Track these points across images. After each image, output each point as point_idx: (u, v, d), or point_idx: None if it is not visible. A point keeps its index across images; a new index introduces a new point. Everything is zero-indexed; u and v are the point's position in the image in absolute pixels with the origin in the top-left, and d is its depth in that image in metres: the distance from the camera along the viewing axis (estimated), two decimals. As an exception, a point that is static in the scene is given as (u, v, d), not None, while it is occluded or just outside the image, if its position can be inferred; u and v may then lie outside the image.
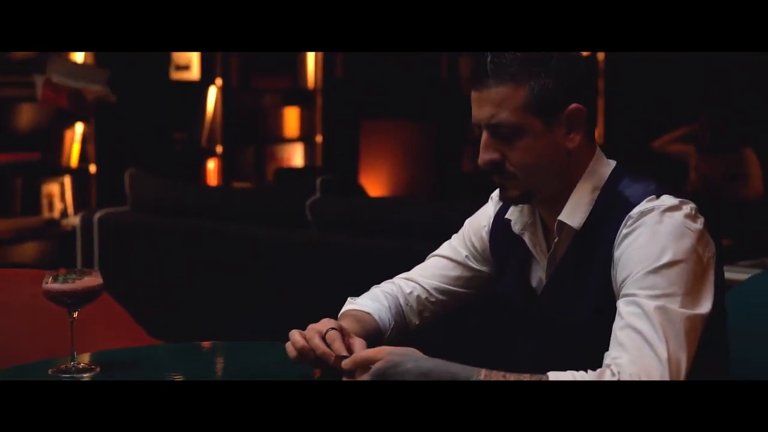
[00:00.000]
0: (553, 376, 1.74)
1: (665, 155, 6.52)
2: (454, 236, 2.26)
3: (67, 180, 6.00)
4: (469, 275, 2.21)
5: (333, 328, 1.95)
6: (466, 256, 2.21)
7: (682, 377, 1.72)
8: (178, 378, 2.07)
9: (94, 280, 2.04)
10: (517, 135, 1.92)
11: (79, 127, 5.95)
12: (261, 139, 7.39)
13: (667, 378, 1.71)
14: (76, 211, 5.89)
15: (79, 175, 6.03)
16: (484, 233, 2.18)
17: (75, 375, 1.99)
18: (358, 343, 1.94)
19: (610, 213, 1.92)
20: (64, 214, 5.92)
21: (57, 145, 5.94)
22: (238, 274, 4.29)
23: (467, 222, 2.24)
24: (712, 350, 1.91)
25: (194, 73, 6.66)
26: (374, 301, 2.18)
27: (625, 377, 1.69)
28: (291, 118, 7.52)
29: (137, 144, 5.43)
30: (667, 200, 1.87)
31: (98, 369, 2.02)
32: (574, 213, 1.96)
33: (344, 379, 1.88)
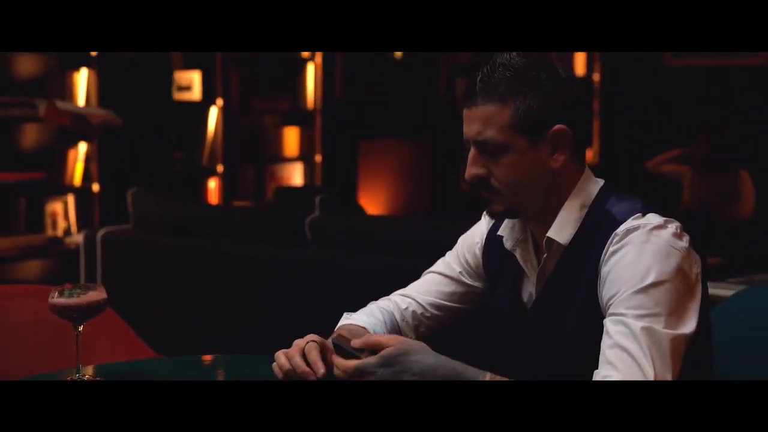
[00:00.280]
0: None
1: (659, 175, 6.57)
2: (449, 253, 2.30)
3: (71, 199, 6.02)
4: (463, 291, 2.25)
5: (313, 341, 2.00)
6: (460, 272, 2.25)
7: None
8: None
9: (98, 294, 2.09)
10: (502, 152, 1.97)
11: (82, 147, 5.96)
12: (261, 159, 7.40)
13: None
14: (79, 229, 5.91)
15: (82, 193, 6.04)
16: (477, 249, 2.22)
17: (80, 387, 2.00)
18: (340, 359, 1.97)
19: (597, 230, 1.96)
20: (67, 232, 5.94)
21: (60, 164, 5.96)
22: (238, 290, 4.30)
23: (461, 239, 2.28)
24: (697, 365, 1.95)
25: (195, 94, 6.68)
26: (369, 316, 2.22)
27: None
28: (291, 137, 7.52)
29: (139, 163, 5.46)
30: (653, 219, 1.91)
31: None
32: (562, 229, 2.00)
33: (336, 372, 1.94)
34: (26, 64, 5.83)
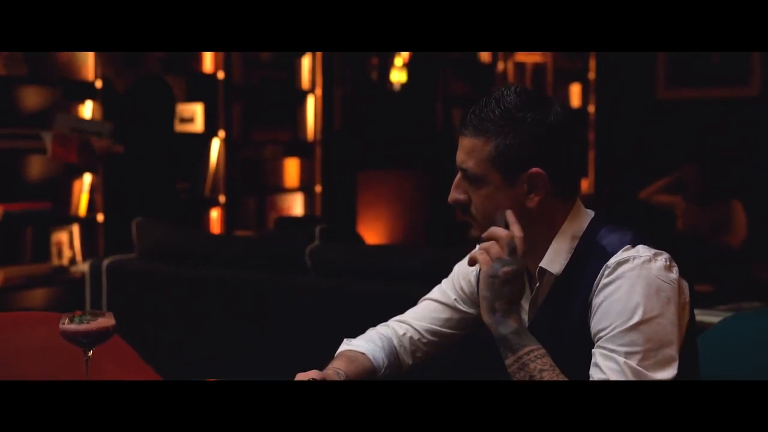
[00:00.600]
0: None
1: (653, 206, 6.61)
2: (444, 281, 2.34)
3: (76, 228, 6.04)
4: (458, 317, 2.30)
5: (313, 378, 2.04)
6: (455, 299, 2.29)
7: None
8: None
9: (107, 321, 2.13)
10: (480, 183, 2.03)
11: (87, 178, 5.99)
12: (262, 189, 7.41)
13: None
14: (84, 258, 5.91)
15: (87, 223, 6.05)
16: (472, 277, 2.26)
17: (89, 410, 2.09)
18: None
19: (588, 261, 2.00)
20: (72, 261, 5.95)
21: (66, 195, 5.99)
22: (240, 317, 4.32)
23: (456, 267, 2.33)
24: None
25: (198, 126, 6.71)
26: (368, 342, 2.27)
27: None
28: (291, 168, 7.54)
29: (143, 194, 5.49)
30: (643, 251, 1.96)
31: None
32: (554, 260, 2.05)
33: None
34: (32, 97, 5.86)
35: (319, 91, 7.59)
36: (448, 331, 2.32)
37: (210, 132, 6.83)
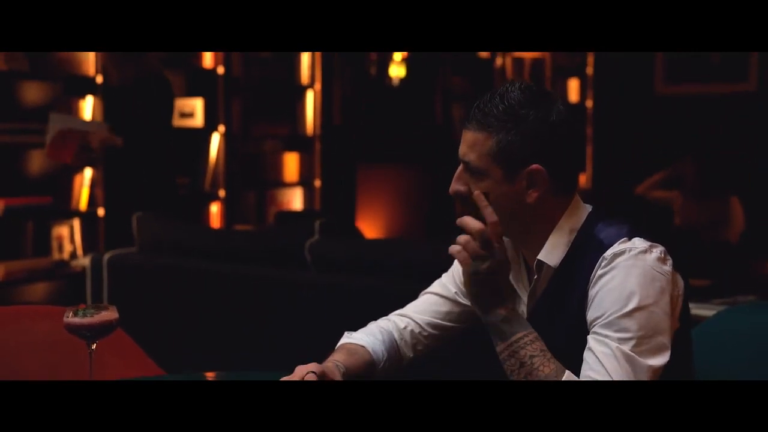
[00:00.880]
0: (568, 376, 1.92)
1: (650, 201, 6.63)
2: (444, 274, 2.37)
3: (77, 223, 6.06)
4: (458, 310, 2.32)
5: (312, 372, 2.05)
6: (456, 292, 2.31)
7: None
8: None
9: (110, 314, 2.16)
10: (480, 176, 2.06)
11: (88, 173, 6.02)
12: (262, 184, 7.43)
13: None
14: (85, 252, 5.94)
15: (87, 218, 6.08)
16: None
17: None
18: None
19: (585, 254, 2.03)
20: (73, 255, 5.97)
21: (67, 189, 6.01)
22: (240, 311, 4.33)
23: (456, 260, 2.36)
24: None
25: (198, 121, 6.72)
26: (369, 335, 2.29)
27: None
28: (291, 163, 7.55)
29: (143, 188, 5.50)
30: (639, 243, 1.99)
31: None
32: (552, 253, 2.08)
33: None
34: (33, 92, 5.88)
35: (318, 85, 7.61)
36: (449, 324, 2.34)
37: (210, 127, 6.84)
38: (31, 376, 2.66)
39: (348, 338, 2.31)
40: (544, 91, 2.11)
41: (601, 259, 2.00)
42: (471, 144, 2.07)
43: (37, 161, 5.92)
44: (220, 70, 6.85)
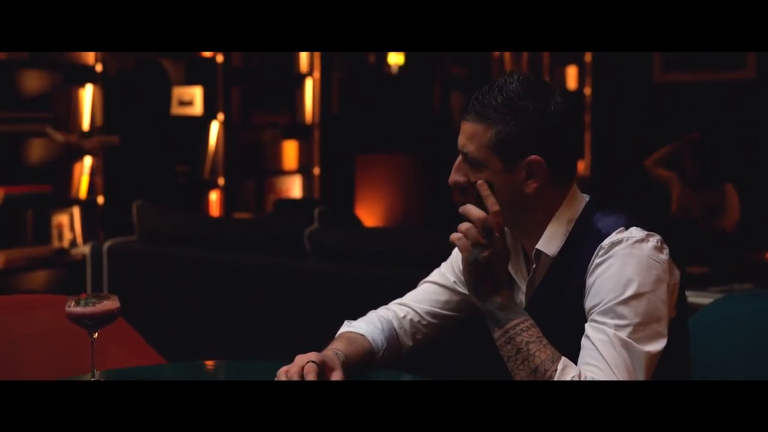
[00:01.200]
0: (564, 362, 1.92)
1: (650, 187, 6.63)
2: (444, 263, 2.38)
3: (76, 211, 6.06)
4: (457, 299, 2.33)
5: (312, 361, 2.05)
6: (454, 281, 2.32)
7: None
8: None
9: (112, 303, 2.15)
10: (480, 167, 2.07)
11: (87, 161, 6.03)
12: (261, 172, 7.43)
13: None
14: (85, 240, 5.95)
15: (87, 206, 6.09)
16: None
17: (96, 391, 2.12)
18: (335, 377, 2.06)
19: (583, 243, 2.05)
20: (73, 243, 5.98)
21: (66, 177, 6.01)
22: (239, 299, 4.34)
23: (455, 250, 2.35)
24: (675, 372, 2.07)
25: (197, 109, 6.73)
26: (368, 324, 2.30)
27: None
28: (290, 151, 7.56)
29: (143, 176, 5.51)
30: (636, 232, 2.00)
31: None
32: (550, 242, 2.09)
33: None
34: (33, 80, 5.89)
35: (317, 74, 7.61)
36: (448, 313, 2.35)
37: (209, 115, 6.85)
38: (32, 366, 2.68)
39: (348, 327, 2.32)
40: (542, 82, 2.12)
41: (598, 248, 2.01)
42: (470, 135, 2.08)
43: (36, 149, 5.93)
44: (219, 58, 6.86)
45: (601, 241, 2.01)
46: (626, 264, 1.97)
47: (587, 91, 9.65)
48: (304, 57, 7.57)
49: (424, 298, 2.37)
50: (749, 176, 7.15)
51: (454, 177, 2.12)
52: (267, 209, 7.38)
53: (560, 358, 1.93)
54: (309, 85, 7.62)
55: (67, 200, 6.03)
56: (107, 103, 5.80)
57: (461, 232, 2.03)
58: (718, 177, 6.34)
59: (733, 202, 6.25)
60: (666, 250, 2.01)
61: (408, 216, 8.43)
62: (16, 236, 5.82)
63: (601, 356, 1.92)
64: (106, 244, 4.75)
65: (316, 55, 7.56)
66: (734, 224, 6.22)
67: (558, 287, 2.09)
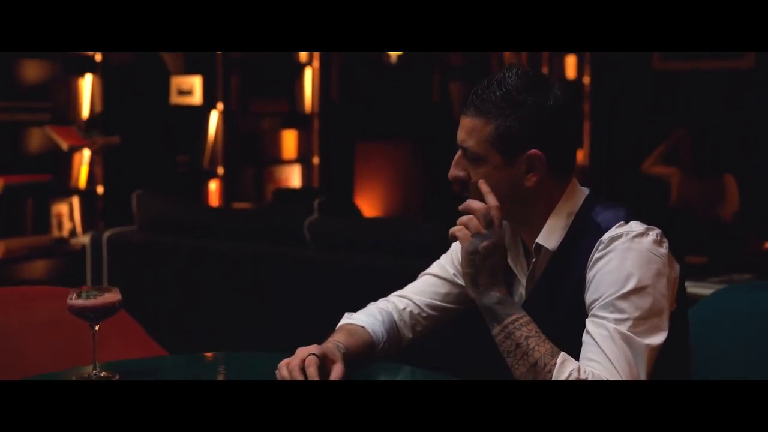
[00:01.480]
0: (563, 356, 1.92)
1: (650, 177, 6.64)
2: (443, 256, 2.38)
3: (76, 200, 6.05)
4: (457, 292, 2.33)
5: (314, 354, 2.06)
6: (454, 273, 2.33)
7: None
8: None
9: (113, 296, 2.16)
10: (479, 162, 2.08)
11: (87, 151, 6.02)
12: (260, 161, 7.42)
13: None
14: (84, 230, 5.95)
15: (87, 195, 6.08)
16: None
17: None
18: (336, 371, 2.07)
19: (583, 237, 2.05)
20: (72, 233, 5.98)
21: (66, 167, 6.00)
22: (239, 289, 4.35)
23: (454, 243, 2.34)
24: (675, 363, 2.07)
25: (196, 98, 6.71)
26: (368, 316, 2.31)
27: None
28: (289, 140, 7.54)
29: (142, 166, 5.51)
30: (635, 226, 2.00)
31: (117, 377, 2.13)
32: (550, 236, 2.10)
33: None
34: (32, 70, 5.87)
35: (316, 63, 7.60)
36: (448, 305, 2.36)
37: (208, 104, 6.84)
38: (33, 357, 2.70)
39: (348, 319, 2.33)
40: (541, 75, 2.13)
41: (598, 242, 2.01)
42: (469, 130, 2.08)
43: (36, 139, 5.92)
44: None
45: (601, 235, 2.02)
46: (626, 258, 1.97)
47: (586, 80, 9.64)
48: (303, 46, 7.54)
49: (424, 290, 2.37)
50: (748, 166, 7.15)
51: (454, 172, 2.13)
52: (266, 198, 7.37)
53: (559, 353, 1.94)
54: (308, 74, 7.60)
55: (66, 190, 6.02)
56: (106, 92, 5.78)
57: (462, 224, 2.04)
58: (717, 164, 6.34)
59: (733, 192, 6.26)
60: (666, 244, 2.01)
61: (407, 204, 8.43)
62: (16, 226, 5.81)
63: (602, 351, 1.92)
64: (106, 234, 4.76)
65: (316, 44, 7.52)
66: (733, 214, 6.23)
67: (558, 281, 2.09)
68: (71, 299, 2.16)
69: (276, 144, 7.53)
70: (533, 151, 2.06)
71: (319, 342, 2.17)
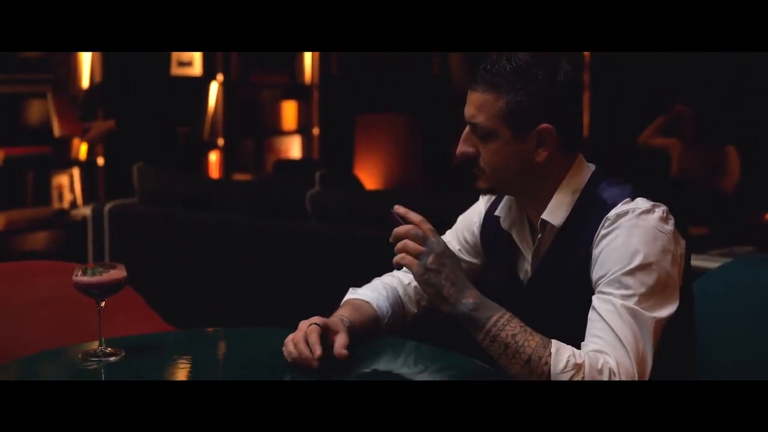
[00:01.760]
0: (556, 344, 1.90)
1: (649, 149, 6.63)
2: (448, 231, 2.37)
3: (76, 172, 6.07)
4: (462, 268, 2.33)
5: (316, 324, 2.08)
6: (459, 249, 2.33)
7: (647, 371, 1.89)
8: (184, 363, 2.21)
9: (119, 273, 2.17)
10: (490, 138, 2.06)
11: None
12: (260, 132, 7.43)
13: (633, 370, 1.87)
14: (85, 201, 5.97)
15: (87, 167, 6.09)
16: (476, 228, 2.32)
17: (103, 359, 2.12)
18: (339, 340, 2.08)
19: (589, 213, 2.04)
20: (73, 204, 6.00)
21: (66, 139, 6.00)
22: (241, 262, 4.34)
23: (460, 218, 2.37)
24: (680, 338, 2.07)
25: (196, 70, 6.73)
26: (373, 291, 2.32)
27: (611, 363, 1.87)
28: (289, 111, 7.55)
29: (143, 137, 5.50)
30: (642, 203, 1.99)
31: (123, 353, 2.14)
32: (555, 212, 2.08)
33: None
34: (33, 42, 5.89)
35: (316, 33, 7.57)
36: None
37: (208, 75, 6.85)
38: (36, 334, 2.69)
39: (353, 294, 2.33)
40: (548, 54, 2.11)
41: (604, 219, 2.00)
42: (479, 105, 2.06)
43: (36, 111, 5.92)
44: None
45: (607, 212, 2.01)
46: (632, 235, 1.96)
47: (586, 53, 9.60)
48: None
49: (428, 266, 2.37)
50: (750, 137, 7.13)
51: (463, 148, 2.11)
52: (266, 169, 7.39)
53: (550, 342, 1.91)
54: (308, 45, 7.58)
55: (67, 161, 6.03)
56: (106, 65, 5.77)
57: (400, 251, 2.03)
58: (718, 133, 6.33)
59: (734, 163, 6.25)
60: (672, 221, 2.00)
61: (406, 175, 8.43)
62: (17, 197, 5.83)
63: (608, 326, 1.91)
64: (108, 206, 4.75)
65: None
66: (734, 186, 6.22)
67: (563, 257, 2.08)
68: (77, 276, 2.15)
69: (276, 115, 7.54)
70: (544, 125, 2.04)
71: (320, 313, 2.17)
